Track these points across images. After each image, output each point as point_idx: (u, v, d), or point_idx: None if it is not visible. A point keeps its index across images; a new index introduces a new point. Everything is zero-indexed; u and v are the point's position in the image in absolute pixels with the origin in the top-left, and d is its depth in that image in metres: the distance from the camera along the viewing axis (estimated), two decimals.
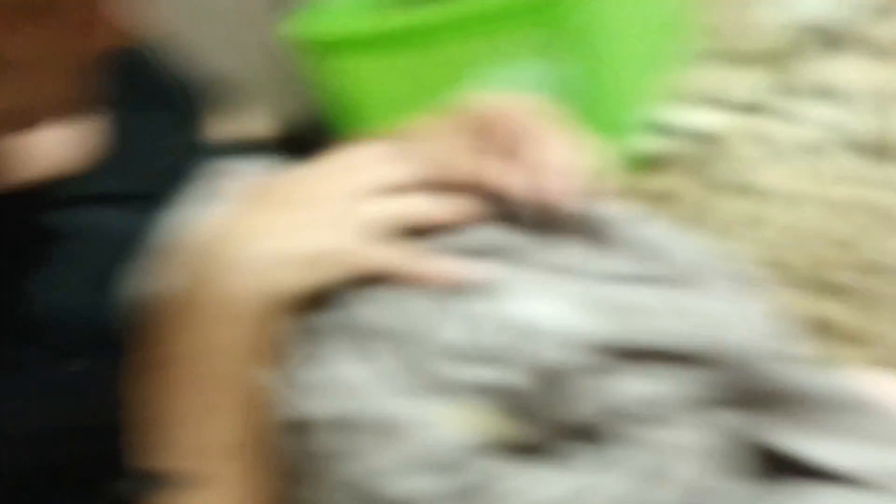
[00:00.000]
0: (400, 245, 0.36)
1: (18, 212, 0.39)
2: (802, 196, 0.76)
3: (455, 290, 0.38)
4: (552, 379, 0.37)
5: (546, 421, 0.39)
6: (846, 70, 0.88)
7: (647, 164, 0.87)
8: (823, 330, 0.65)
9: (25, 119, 0.34)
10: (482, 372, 0.37)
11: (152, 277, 0.36)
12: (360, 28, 0.76)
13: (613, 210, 0.43)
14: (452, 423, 0.38)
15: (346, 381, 0.39)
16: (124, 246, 0.40)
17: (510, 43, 0.72)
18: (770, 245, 0.73)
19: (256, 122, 0.85)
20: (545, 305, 0.38)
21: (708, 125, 0.87)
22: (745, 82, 0.90)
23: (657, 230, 0.46)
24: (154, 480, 0.32)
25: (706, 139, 0.86)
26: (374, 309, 0.38)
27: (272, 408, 0.36)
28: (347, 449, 0.38)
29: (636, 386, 0.41)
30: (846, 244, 0.69)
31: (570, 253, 0.41)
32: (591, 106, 0.76)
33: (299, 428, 0.37)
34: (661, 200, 0.84)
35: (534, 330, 0.37)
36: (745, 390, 0.43)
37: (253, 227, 0.34)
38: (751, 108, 0.87)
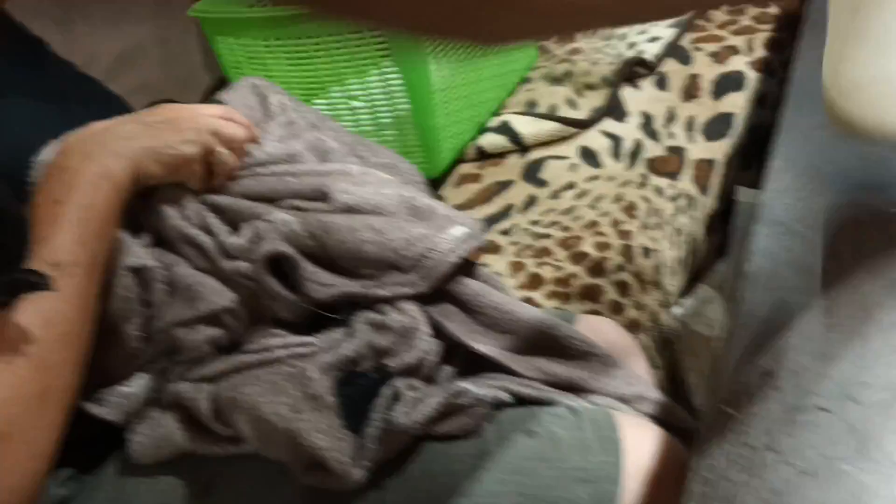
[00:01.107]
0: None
1: None
2: (571, 187, 0.98)
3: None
4: (285, 264, 0.58)
5: (290, 302, 0.59)
6: (634, 95, 1.10)
7: (488, 156, 1.08)
8: (567, 285, 0.87)
9: None
10: (238, 264, 0.57)
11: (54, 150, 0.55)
12: (246, 13, 0.95)
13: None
14: (229, 297, 0.58)
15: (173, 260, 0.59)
16: (37, 125, 0.58)
17: (366, 48, 0.92)
18: (538, 222, 0.95)
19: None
20: (285, 219, 0.59)
21: (530, 131, 1.07)
22: (561, 98, 1.12)
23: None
24: (18, 276, 0.48)
25: (526, 141, 1.07)
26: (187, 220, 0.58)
27: (118, 255, 0.55)
28: (159, 302, 0.57)
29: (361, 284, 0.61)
30: (593, 224, 0.91)
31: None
32: (426, 110, 0.96)
33: (134, 272, 0.56)
34: (497, 186, 1.04)
35: (272, 232, 0.58)
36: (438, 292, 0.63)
37: (133, 130, 0.55)
38: (565, 120, 1.08)
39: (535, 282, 0.87)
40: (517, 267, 0.89)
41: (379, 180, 0.67)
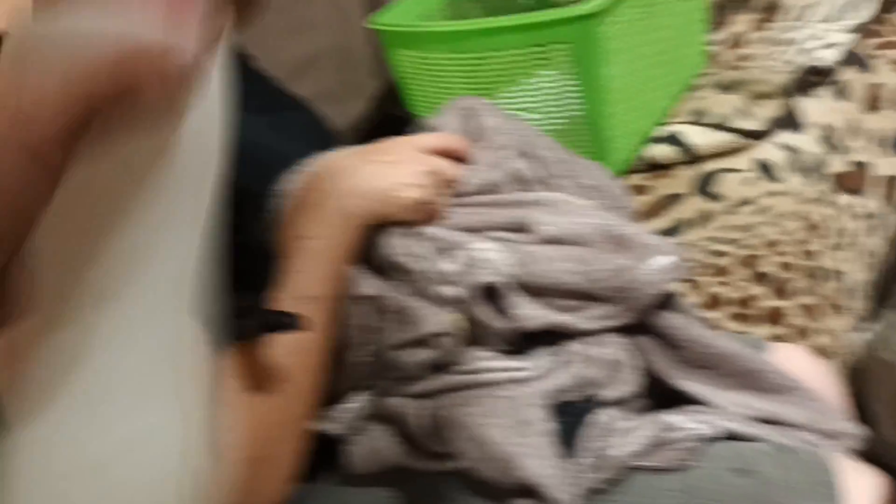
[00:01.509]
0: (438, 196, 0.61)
1: None
2: (748, 202, 0.95)
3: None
4: (490, 293, 0.59)
5: (496, 331, 0.60)
6: (811, 105, 1.05)
7: (655, 168, 1.06)
8: (749, 307, 0.85)
9: None
10: (450, 291, 0.59)
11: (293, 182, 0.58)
12: (423, 27, 0.97)
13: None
14: (441, 320, 0.59)
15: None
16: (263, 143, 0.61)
17: (539, 56, 0.93)
18: (714, 238, 0.92)
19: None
20: (492, 249, 0.60)
21: (702, 142, 1.05)
22: (732, 107, 1.09)
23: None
24: (276, 317, 0.48)
25: (698, 152, 1.04)
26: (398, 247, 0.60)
27: (349, 286, 0.57)
28: (379, 325, 0.59)
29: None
30: (774, 243, 0.89)
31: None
32: (601, 117, 0.95)
33: (360, 301, 0.58)
34: (666, 199, 1.03)
35: (482, 261, 0.59)
36: (638, 323, 0.63)
37: (366, 170, 0.58)
38: (738, 131, 1.05)
39: (713, 302, 0.85)
40: (694, 286, 0.87)
41: (580, 209, 0.67)
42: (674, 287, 0.65)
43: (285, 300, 0.50)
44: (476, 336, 0.60)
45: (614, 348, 0.61)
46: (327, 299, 0.53)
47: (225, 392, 0.46)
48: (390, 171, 0.59)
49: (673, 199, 1.00)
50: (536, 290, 0.61)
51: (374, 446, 0.58)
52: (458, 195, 0.66)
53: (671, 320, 0.64)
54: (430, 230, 0.64)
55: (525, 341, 0.63)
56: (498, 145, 0.68)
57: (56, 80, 0.23)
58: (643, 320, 0.64)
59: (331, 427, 0.57)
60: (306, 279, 0.52)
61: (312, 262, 0.53)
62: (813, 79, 1.11)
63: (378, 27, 0.97)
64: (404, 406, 0.58)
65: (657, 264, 0.62)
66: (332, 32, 1.11)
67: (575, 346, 0.60)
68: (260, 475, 0.47)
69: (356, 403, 0.59)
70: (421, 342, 0.57)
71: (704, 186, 1.00)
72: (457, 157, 0.65)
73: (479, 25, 0.91)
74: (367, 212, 0.57)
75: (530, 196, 0.68)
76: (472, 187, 0.66)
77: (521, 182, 0.69)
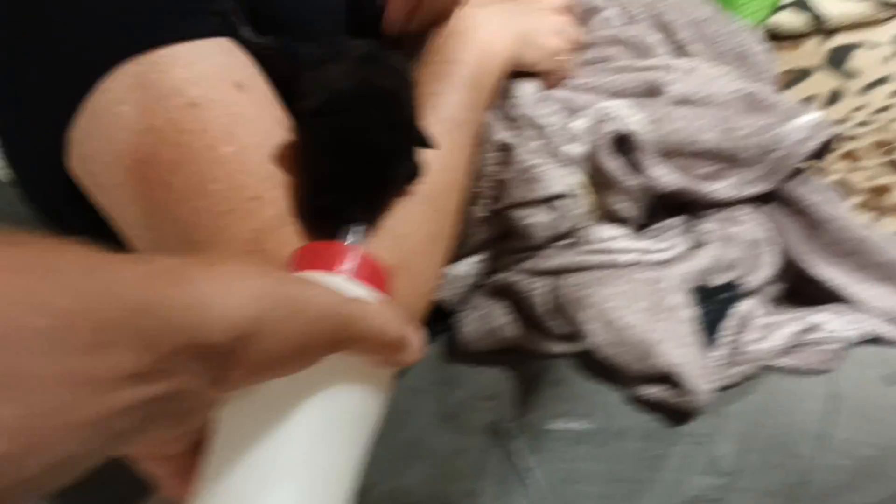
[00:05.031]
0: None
1: None
2: (885, 81, 0.85)
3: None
4: (624, 147, 0.53)
5: (627, 191, 0.54)
6: None
7: (780, 38, 0.96)
8: (883, 196, 0.77)
9: None
10: (579, 148, 0.53)
11: None
12: None
13: None
14: (568, 181, 0.53)
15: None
16: None
17: None
18: (845, 120, 0.84)
19: None
20: (623, 106, 0.53)
21: (836, 11, 0.93)
22: None
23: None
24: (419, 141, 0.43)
25: (830, 22, 0.93)
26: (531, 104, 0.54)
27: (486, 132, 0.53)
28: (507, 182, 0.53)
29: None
30: None
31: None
32: None
33: (499, 149, 0.53)
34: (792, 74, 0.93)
35: (613, 116, 0.52)
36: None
37: (514, 9, 0.56)
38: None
39: (842, 190, 0.78)
40: (820, 171, 0.79)
41: (713, 74, 0.59)
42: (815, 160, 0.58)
43: (428, 120, 0.47)
44: (606, 207, 0.54)
45: (752, 226, 0.55)
46: (469, 124, 0.51)
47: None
48: (533, 18, 0.57)
49: (800, 74, 0.90)
50: (671, 151, 0.55)
51: (489, 324, 0.54)
52: (582, 63, 0.60)
53: (811, 196, 0.57)
54: (559, 92, 0.58)
55: (656, 219, 0.57)
56: (605, 17, 0.62)
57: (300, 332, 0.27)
58: (781, 194, 0.58)
59: (442, 294, 0.53)
60: (448, 102, 0.50)
61: (456, 86, 0.50)
62: None
63: None
64: (524, 282, 0.53)
65: (805, 121, 0.56)
66: None
67: (710, 225, 0.54)
68: (403, 281, 0.43)
69: (464, 270, 0.55)
70: (541, 203, 0.52)
71: (837, 62, 0.90)
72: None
73: None
74: (510, 52, 0.54)
75: (651, 61, 0.61)
76: (585, 58, 0.60)
77: (642, 50, 0.62)
